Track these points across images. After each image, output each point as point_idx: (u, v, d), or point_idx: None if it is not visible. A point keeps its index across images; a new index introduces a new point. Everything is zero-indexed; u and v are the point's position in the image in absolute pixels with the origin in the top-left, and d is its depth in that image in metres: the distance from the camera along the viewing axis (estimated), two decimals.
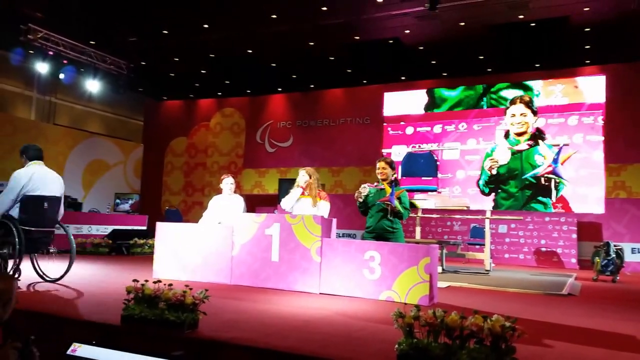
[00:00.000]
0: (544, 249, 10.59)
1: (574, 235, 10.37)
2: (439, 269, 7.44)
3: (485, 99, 11.84)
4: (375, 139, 12.76)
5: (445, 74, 12.49)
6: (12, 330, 2.05)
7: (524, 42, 9.98)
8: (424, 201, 9.11)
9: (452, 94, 12.14)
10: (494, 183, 11.19)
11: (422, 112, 12.28)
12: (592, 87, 10.80)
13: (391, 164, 5.12)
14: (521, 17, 9.34)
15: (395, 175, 5.16)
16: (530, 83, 11.32)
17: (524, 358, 2.27)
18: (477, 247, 9.57)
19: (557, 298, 5.49)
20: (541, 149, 10.64)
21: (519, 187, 10.85)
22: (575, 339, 3.27)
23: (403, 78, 12.75)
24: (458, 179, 11.71)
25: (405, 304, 2.97)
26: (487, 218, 8.60)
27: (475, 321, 2.25)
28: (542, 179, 10.45)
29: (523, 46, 10.08)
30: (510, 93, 11.53)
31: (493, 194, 11.22)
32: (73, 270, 5.90)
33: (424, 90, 12.34)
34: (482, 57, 11.25)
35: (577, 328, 3.66)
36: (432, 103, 12.29)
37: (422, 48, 10.96)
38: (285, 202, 5.54)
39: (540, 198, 10.68)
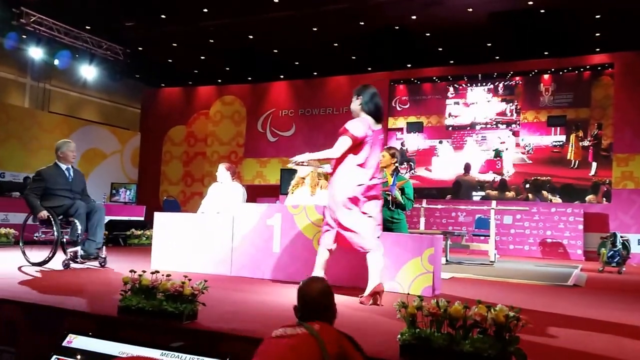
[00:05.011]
0: (549, 240, 10.46)
1: (580, 226, 10.22)
2: (443, 260, 7.34)
3: None
4: None
5: (451, 62, 12.27)
6: None
7: (533, 29, 9.77)
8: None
9: None
10: None
11: None
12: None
13: (394, 154, 5.07)
14: (530, 3, 9.13)
15: (397, 166, 5.09)
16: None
17: (527, 348, 2.20)
18: (482, 238, 9.44)
19: (562, 289, 5.46)
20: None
21: None
22: (580, 329, 3.27)
23: (409, 65, 12.52)
24: None
25: (408, 294, 2.90)
26: (492, 209, 8.58)
27: (478, 311, 2.24)
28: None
29: (532, 33, 9.88)
30: None
31: None
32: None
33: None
34: (489, 45, 11.04)
35: (582, 319, 3.68)
36: None
37: (428, 35, 10.74)
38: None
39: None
